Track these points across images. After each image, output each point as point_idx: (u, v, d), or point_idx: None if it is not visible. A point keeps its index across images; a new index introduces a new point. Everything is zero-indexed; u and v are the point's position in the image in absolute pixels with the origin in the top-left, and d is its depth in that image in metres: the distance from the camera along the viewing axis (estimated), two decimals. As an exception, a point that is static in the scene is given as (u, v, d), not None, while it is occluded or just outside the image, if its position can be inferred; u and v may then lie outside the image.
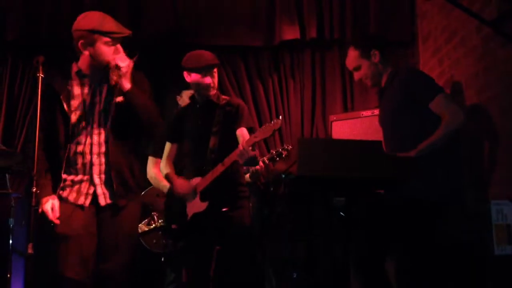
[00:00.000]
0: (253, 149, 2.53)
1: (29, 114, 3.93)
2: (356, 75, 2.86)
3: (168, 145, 2.99)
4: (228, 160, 2.63)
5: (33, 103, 3.49)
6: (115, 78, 2.34)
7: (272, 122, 2.52)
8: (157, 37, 4.03)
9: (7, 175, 3.52)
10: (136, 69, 2.51)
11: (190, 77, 2.83)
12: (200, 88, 2.85)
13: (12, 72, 4.01)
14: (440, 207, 2.57)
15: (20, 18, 3.94)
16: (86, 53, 2.40)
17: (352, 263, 2.60)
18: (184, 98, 3.47)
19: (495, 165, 2.81)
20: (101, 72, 2.42)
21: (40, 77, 2.28)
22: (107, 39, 2.37)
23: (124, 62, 2.36)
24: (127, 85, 2.37)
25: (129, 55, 2.42)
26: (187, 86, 3.12)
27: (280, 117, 2.57)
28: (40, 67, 2.31)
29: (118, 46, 2.40)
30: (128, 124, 2.44)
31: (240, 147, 2.55)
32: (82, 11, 2.47)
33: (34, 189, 2.29)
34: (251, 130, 2.76)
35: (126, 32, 2.42)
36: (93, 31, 2.35)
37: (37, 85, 2.29)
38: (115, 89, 2.40)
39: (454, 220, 2.70)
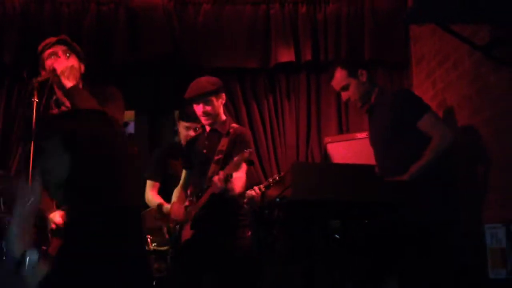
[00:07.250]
0: (225, 182, 2.54)
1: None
2: (344, 95, 2.86)
3: (183, 172, 3.06)
4: (210, 189, 2.64)
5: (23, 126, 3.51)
6: (50, 79, 2.41)
7: (240, 154, 2.52)
8: (155, 59, 4.05)
9: (1, 198, 3.50)
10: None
11: None
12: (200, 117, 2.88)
13: (9, 95, 4.01)
14: (436, 229, 2.57)
15: (17, 40, 3.95)
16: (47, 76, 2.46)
17: (351, 286, 2.59)
18: (180, 129, 3.47)
19: (489, 187, 2.81)
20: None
21: (34, 102, 2.22)
22: (45, 54, 2.50)
23: (58, 64, 2.43)
24: (67, 83, 2.40)
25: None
26: (182, 111, 3.25)
27: (249, 150, 2.55)
28: (35, 92, 2.25)
29: (58, 53, 2.50)
30: None
31: (214, 179, 2.57)
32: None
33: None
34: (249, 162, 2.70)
35: (54, 38, 2.53)
36: (38, 54, 2.53)
37: (31, 110, 2.23)
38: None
39: (450, 243, 2.70)
